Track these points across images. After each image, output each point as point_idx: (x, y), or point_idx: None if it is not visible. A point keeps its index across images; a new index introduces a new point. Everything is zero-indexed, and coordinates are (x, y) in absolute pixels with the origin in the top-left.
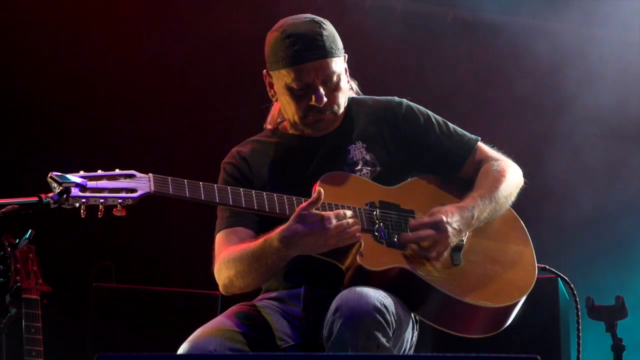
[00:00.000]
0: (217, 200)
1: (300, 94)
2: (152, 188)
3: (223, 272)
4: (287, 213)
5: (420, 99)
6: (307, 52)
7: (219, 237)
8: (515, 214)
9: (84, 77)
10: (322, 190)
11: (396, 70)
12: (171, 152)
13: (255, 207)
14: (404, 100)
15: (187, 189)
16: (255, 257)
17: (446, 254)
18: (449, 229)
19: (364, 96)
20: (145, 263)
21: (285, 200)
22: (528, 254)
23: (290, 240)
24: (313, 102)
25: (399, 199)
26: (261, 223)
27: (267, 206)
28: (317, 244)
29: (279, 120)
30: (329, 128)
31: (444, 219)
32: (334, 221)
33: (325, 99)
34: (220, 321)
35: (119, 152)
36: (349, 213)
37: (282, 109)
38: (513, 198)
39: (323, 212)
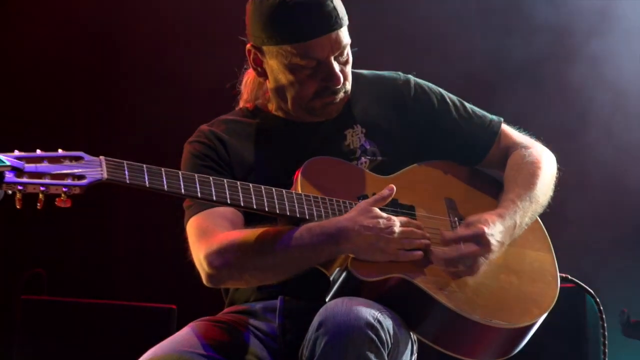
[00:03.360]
0: (183, 192)
1: (310, 72)
2: (105, 174)
3: (224, 255)
4: (266, 209)
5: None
6: (320, 24)
7: (199, 220)
8: None
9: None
10: (394, 187)
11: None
12: (128, 131)
13: (229, 201)
14: (411, 77)
15: (146, 176)
16: (293, 247)
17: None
18: (492, 242)
19: (360, 70)
20: (83, 271)
21: (264, 191)
22: (549, 262)
23: (350, 231)
24: (328, 83)
25: (397, 191)
26: None
27: (242, 200)
28: (376, 245)
29: (257, 97)
30: (339, 111)
31: (486, 230)
32: (398, 224)
33: (342, 78)
34: (177, 341)
35: (62, 129)
36: (417, 224)
37: (277, 90)
38: (551, 193)
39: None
